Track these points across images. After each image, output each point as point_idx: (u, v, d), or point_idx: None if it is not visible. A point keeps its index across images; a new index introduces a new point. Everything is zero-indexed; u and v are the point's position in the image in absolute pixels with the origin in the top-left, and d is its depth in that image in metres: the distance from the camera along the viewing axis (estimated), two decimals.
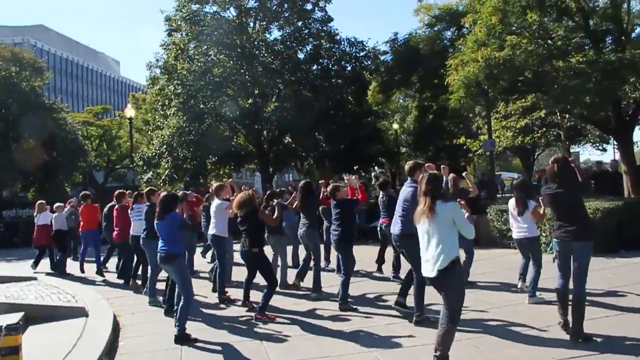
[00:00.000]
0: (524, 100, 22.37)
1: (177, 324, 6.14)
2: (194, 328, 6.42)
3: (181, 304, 6.16)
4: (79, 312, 7.36)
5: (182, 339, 6.05)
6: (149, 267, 8.57)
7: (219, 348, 5.85)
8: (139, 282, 9.64)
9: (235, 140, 25.17)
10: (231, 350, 5.74)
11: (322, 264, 9.51)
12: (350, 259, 7.74)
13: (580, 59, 13.15)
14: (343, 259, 7.73)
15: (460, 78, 13.40)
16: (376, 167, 33.06)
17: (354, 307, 7.27)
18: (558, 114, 22.61)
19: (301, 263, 9.26)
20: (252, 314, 7.08)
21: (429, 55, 21.42)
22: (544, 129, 26.56)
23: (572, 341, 5.18)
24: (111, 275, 11.33)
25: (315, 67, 25.20)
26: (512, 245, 9.11)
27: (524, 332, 5.62)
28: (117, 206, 10.32)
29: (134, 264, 9.98)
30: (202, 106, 22.67)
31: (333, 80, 24.59)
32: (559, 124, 23.99)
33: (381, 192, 9.61)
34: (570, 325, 5.32)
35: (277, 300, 7.61)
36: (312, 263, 8.54)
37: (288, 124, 23.08)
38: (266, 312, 6.96)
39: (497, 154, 23.96)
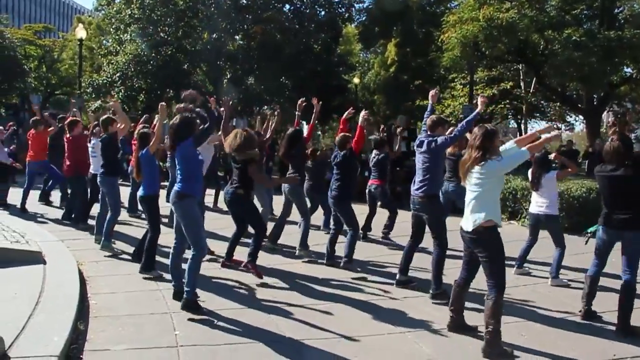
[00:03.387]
0: (494, 70, 22.01)
1: (186, 286, 4.91)
2: (165, 287, 5.51)
3: (190, 260, 4.91)
4: (35, 258, 6.15)
5: (191, 306, 4.87)
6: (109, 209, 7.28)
7: (221, 315, 4.90)
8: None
9: (194, 76, 23.44)
10: (233, 322, 4.81)
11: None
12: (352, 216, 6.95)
13: (579, 33, 12.68)
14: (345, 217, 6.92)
15: (458, 36, 12.58)
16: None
17: (358, 269, 6.67)
18: (522, 87, 22.45)
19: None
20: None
21: (416, 8, 20.34)
22: (507, 101, 26.53)
23: (617, 336, 4.70)
24: (52, 211, 9.98)
25: (287, 7, 23.62)
26: None
27: (564, 320, 5.06)
28: (68, 136, 8.99)
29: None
30: (162, 35, 20.76)
31: (306, 24, 23.13)
32: (522, 97, 23.78)
33: (375, 151, 8.83)
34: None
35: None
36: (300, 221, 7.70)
37: (254, 64, 21.64)
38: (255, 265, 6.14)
39: (456, 121, 23.53)
